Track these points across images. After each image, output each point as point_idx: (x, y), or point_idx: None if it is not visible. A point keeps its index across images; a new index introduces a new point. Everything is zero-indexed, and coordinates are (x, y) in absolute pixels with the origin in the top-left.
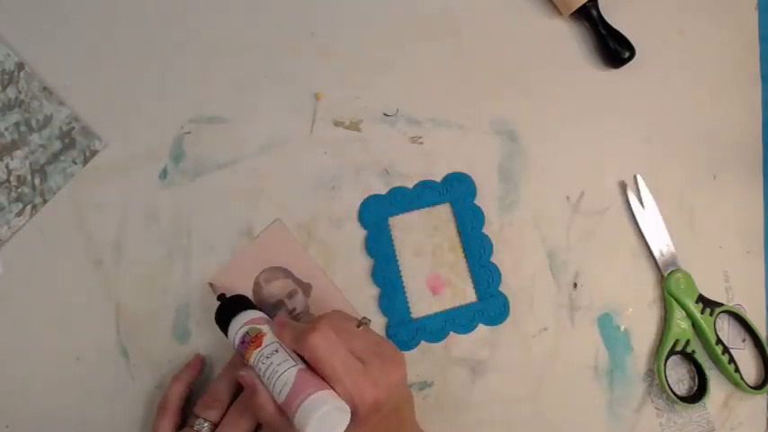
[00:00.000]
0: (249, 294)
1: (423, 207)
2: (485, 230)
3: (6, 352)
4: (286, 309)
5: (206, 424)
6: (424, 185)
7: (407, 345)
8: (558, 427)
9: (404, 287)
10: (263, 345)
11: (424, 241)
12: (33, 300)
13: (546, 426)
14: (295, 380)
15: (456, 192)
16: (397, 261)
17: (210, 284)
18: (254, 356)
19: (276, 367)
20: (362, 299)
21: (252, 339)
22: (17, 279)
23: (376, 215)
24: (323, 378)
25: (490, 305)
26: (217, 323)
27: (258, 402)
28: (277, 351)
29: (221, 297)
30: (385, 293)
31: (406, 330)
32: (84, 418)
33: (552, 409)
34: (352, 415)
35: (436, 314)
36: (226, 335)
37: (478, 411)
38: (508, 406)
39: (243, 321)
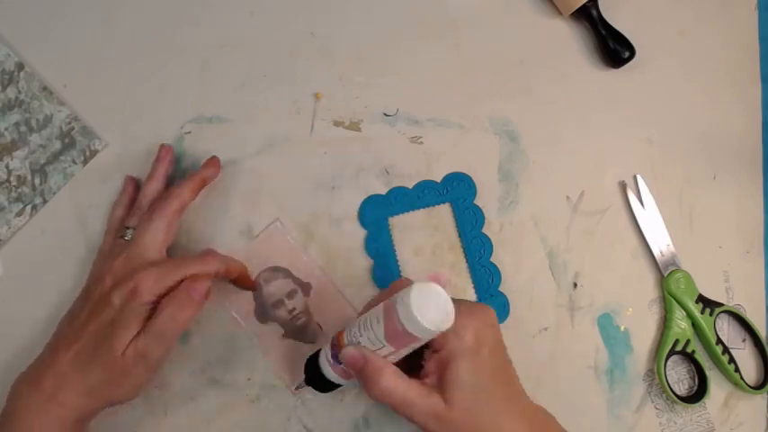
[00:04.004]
0: (249, 294)
1: (423, 207)
2: (485, 230)
3: (6, 352)
4: (286, 308)
5: (129, 231)
6: (424, 185)
7: None
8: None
9: None
10: (347, 327)
11: (424, 241)
12: (33, 300)
13: None
14: (385, 303)
15: (456, 192)
16: (396, 261)
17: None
18: (345, 337)
19: (366, 315)
20: (362, 299)
21: (338, 333)
22: (17, 279)
23: (376, 215)
24: None
25: (490, 305)
26: (323, 388)
27: (372, 369)
28: (364, 314)
29: (305, 380)
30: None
31: None
32: None
33: (552, 409)
34: (457, 347)
35: None
36: (336, 385)
37: None
38: None
39: (324, 348)
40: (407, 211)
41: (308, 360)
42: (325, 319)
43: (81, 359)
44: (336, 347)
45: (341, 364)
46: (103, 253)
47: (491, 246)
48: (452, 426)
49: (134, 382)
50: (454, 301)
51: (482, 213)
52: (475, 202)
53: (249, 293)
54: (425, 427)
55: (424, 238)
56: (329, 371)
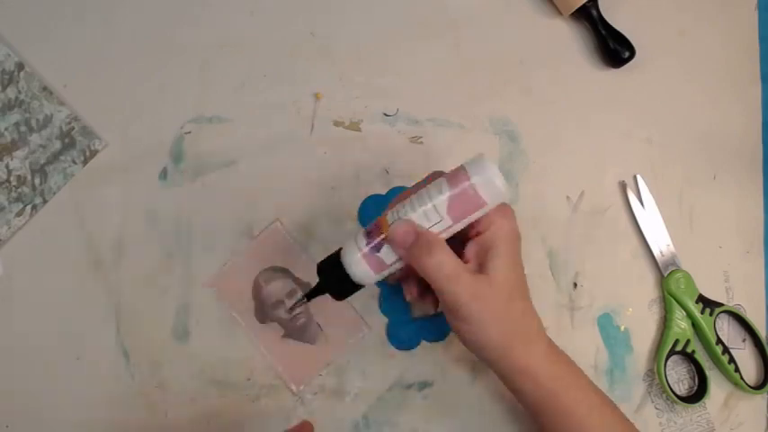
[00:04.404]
0: (249, 294)
1: None
2: None
3: (6, 352)
4: (285, 308)
5: None
6: None
7: (407, 344)
8: None
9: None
10: (390, 211)
11: None
12: (33, 300)
13: None
14: (447, 174)
15: None
16: None
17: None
18: (390, 217)
19: (420, 192)
20: (362, 299)
21: (378, 219)
22: (17, 279)
23: (376, 215)
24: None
25: None
26: (338, 293)
27: (424, 241)
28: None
29: (317, 286)
30: (385, 293)
31: (406, 330)
32: (84, 418)
33: None
34: (500, 234)
35: (436, 314)
36: (355, 288)
37: (478, 411)
38: (508, 406)
39: (352, 238)
40: None
41: (323, 263)
42: (325, 319)
43: None
44: (374, 234)
45: (378, 251)
46: None
47: None
48: (492, 308)
49: None
50: None
51: None
52: None
53: (249, 293)
54: (467, 306)
55: None
56: (358, 265)
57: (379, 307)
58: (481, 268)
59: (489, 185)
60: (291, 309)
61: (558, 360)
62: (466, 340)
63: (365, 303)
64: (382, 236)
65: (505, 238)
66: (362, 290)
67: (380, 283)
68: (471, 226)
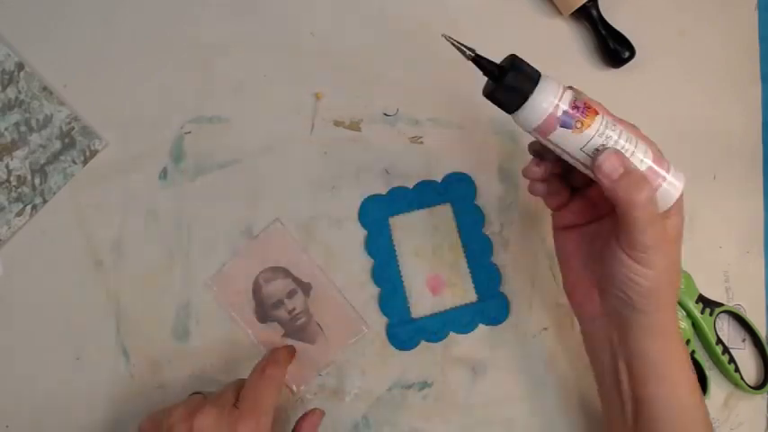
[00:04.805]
0: (249, 294)
1: (423, 207)
2: (485, 231)
3: (6, 352)
4: (285, 309)
5: None
6: (425, 185)
7: (407, 344)
8: (558, 427)
9: (404, 287)
10: (600, 112)
11: (425, 241)
12: (33, 300)
13: (546, 426)
14: (652, 149)
15: (456, 192)
16: (397, 261)
17: (448, 38)
18: (596, 123)
19: (628, 135)
20: (362, 299)
21: (586, 103)
22: (17, 279)
23: (376, 215)
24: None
25: (490, 305)
26: (497, 97)
27: (637, 177)
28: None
29: (481, 59)
30: (385, 293)
31: (406, 330)
32: (84, 418)
33: (552, 409)
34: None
35: (436, 314)
36: (510, 108)
37: (478, 411)
38: (508, 406)
39: (558, 87)
40: (408, 211)
41: (511, 60)
42: (325, 319)
43: None
44: (577, 118)
45: (562, 126)
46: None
47: (491, 246)
48: (669, 261)
49: None
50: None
51: (482, 213)
52: (475, 202)
53: (249, 293)
54: (653, 250)
55: (424, 238)
56: (538, 110)
57: (379, 307)
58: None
59: (669, 195)
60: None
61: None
62: (625, 277)
63: (365, 303)
64: (581, 127)
65: (678, 236)
66: (362, 290)
67: (380, 283)
68: None
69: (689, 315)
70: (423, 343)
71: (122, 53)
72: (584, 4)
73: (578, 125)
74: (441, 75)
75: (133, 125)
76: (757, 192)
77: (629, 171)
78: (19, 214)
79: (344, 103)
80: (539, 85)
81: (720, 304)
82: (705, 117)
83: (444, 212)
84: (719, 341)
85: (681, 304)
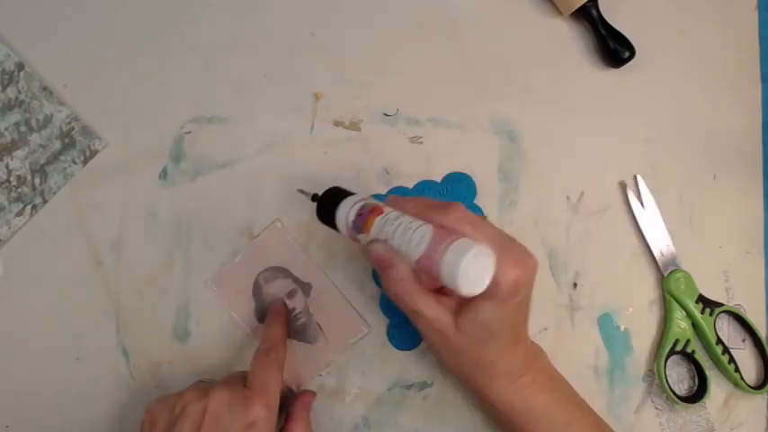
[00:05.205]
0: (249, 294)
1: None
2: None
3: (6, 352)
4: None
5: None
6: (425, 185)
7: (407, 345)
8: None
9: None
10: (386, 212)
11: None
12: (33, 300)
13: None
14: (433, 233)
15: (456, 192)
16: None
17: (300, 191)
18: (377, 223)
19: (409, 224)
20: (362, 299)
21: (371, 209)
22: (17, 279)
23: None
24: None
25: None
26: (321, 219)
27: (394, 274)
28: (402, 215)
29: (315, 197)
30: (385, 293)
31: (406, 330)
32: (84, 418)
33: None
34: (492, 292)
35: None
36: (334, 227)
37: (478, 411)
38: None
39: (352, 202)
40: None
41: (330, 190)
42: (325, 320)
43: None
44: (361, 223)
45: (358, 233)
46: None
47: None
48: (453, 349)
49: None
50: (505, 241)
51: (482, 213)
52: (475, 202)
53: (249, 293)
54: (430, 341)
55: None
56: (342, 223)
57: (379, 307)
58: (458, 309)
59: (453, 282)
60: (313, 196)
61: (530, 391)
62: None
63: (365, 303)
64: (363, 233)
65: (495, 297)
66: (362, 290)
67: (380, 284)
68: None
69: (689, 315)
70: (423, 343)
71: (122, 53)
72: (584, 4)
73: (363, 228)
74: (441, 75)
75: (133, 125)
76: (757, 192)
77: (391, 265)
78: (19, 214)
79: (344, 103)
80: (339, 206)
81: (720, 304)
82: (705, 117)
83: None
84: (719, 341)
85: (681, 304)
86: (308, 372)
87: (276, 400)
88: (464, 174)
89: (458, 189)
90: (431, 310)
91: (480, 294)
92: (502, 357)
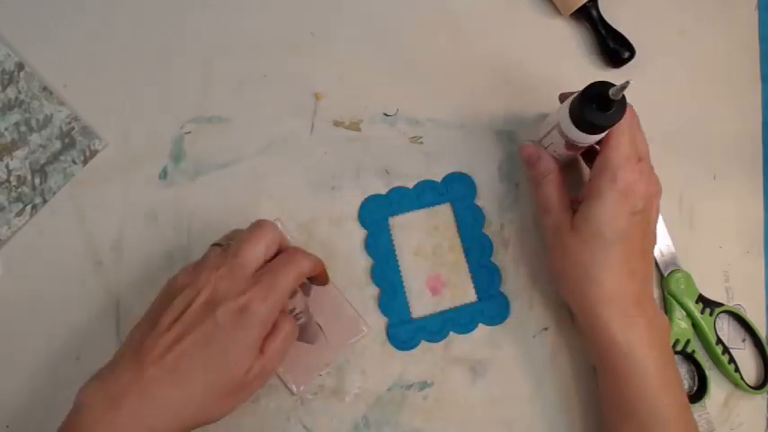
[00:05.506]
0: None
1: (423, 207)
2: (485, 230)
3: (6, 352)
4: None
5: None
6: (425, 185)
7: (407, 345)
8: (558, 427)
9: (404, 287)
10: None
11: (425, 241)
12: (33, 300)
13: (546, 426)
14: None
15: (456, 192)
16: (397, 261)
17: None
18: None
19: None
20: (362, 299)
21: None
22: (17, 279)
23: (376, 215)
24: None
25: (490, 305)
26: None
27: (541, 165)
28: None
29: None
30: (385, 293)
31: (406, 330)
32: None
33: (552, 409)
34: (605, 186)
35: (436, 314)
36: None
37: (478, 411)
38: (508, 406)
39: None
40: (408, 211)
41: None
42: (325, 319)
43: (178, 378)
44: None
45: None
46: (202, 262)
47: (491, 246)
48: (564, 248)
49: (241, 401)
50: (646, 160)
51: (482, 213)
52: (475, 201)
53: None
54: (548, 240)
55: (424, 237)
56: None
57: (379, 307)
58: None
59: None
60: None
61: (637, 325)
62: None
63: (365, 303)
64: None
65: (606, 190)
66: (362, 290)
67: (380, 283)
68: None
69: (689, 315)
70: (423, 343)
71: (122, 53)
72: (584, 4)
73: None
74: (441, 75)
75: (133, 125)
76: (757, 192)
77: (538, 163)
78: (19, 214)
79: (344, 103)
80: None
81: (720, 304)
82: (705, 117)
83: (444, 212)
84: (719, 341)
85: (681, 304)
86: (308, 372)
87: (278, 302)
88: (464, 174)
89: (458, 189)
90: (560, 202)
91: (597, 191)
92: (609, 277)
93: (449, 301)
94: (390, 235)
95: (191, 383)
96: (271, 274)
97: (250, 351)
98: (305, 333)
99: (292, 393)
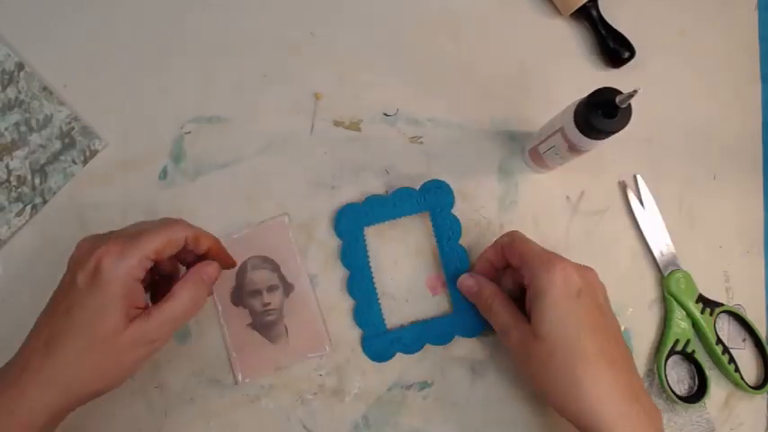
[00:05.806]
0: (233, 276)
1: (400, 216)
2: (461, 242)
3: (6, 352)
4: (261, 300)
5: None
6: (402, 193)
7: (382, 357)
8: (558, 427)
9: (378, 299)
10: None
11: (400, 251)
12: (33, 300)
13: (546, 425)
14: None
15: (434, 200)
16: (371, 272)
17: None
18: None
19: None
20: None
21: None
22: (17, 279)
23: (351, 225)
24: None
25: (465, 317)
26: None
27: (483, 294)
28: None
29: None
30: (359, 305)
31: (381, 342)
32: (84, 418)
33: (552, 409)
34: (547, 286)
35: (411, 325)
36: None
37: (478, 411)
38: (508, 406)
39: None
40: (384, 220)
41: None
42: (294, 326)
43: (52, 349)
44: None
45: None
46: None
47: (467, 256)
48: (538, 361)
49: (127, 366)
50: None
51: (459, 223)
52: (475, 202)
53: (233, 272)
54: (515, 354)
55: (400, 247)
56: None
57: (354, 319)
58: (531, 318)
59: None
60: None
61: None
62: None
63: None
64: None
65: (552, 290)
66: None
67: (355, 294)
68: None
69: (689, 315)
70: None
71: (122, 53)
72: (584, 4)
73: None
74: (441, 75)
75: (133, 125)
76: (757, 192)
77: (480, 288)
78: (19, 214)
79: (344, 103)
80: None
81: (720, 304)
82: (705, 117)
83: (422, 221)
84: (719, 341)
85: (681, 304)
86: (258, 367)
87: (135, 258)
88: (442, 181)
89: (435, 197)
90: (515, 318)
91: (538, 291)
92: (592, 375)
93: (424, 312)
94: (365, 246)
95: (63, 353)
96: (134, 231)
97: (112, 310)
98: (270, 330)
99: (236, 382)
